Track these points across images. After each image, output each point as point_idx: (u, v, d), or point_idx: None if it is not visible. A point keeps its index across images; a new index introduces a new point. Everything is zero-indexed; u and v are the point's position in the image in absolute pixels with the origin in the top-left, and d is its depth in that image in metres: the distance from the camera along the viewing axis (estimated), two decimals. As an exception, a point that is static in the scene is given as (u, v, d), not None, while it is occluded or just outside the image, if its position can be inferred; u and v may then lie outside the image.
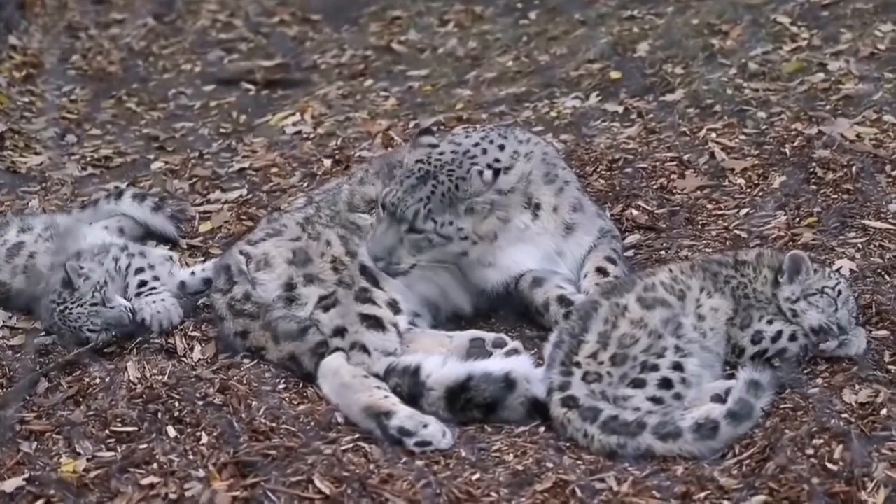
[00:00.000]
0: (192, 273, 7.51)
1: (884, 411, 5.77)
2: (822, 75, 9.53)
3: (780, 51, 10.05)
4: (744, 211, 7.86)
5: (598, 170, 8.52)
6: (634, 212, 7.97)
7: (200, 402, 6.31)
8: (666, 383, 5.93)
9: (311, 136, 10.01)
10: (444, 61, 11.61)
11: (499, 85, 10.70)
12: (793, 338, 6.25)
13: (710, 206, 7.97)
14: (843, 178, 7.97)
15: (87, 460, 5.94)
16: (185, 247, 8.15)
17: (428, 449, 5.95)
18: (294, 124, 10.31)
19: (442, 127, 9.52)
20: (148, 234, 8.16)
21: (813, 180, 8.01)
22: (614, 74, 10.22)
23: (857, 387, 5.99)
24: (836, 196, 7.83)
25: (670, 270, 6.43)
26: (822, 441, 5.61)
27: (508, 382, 6.15)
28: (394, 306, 6.75)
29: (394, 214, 6.72)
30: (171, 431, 6.12)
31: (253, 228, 7.72)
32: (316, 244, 6.99)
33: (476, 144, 6.95)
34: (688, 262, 6.69)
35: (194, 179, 9.30)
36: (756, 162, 8.36)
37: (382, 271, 6.77)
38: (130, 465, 5.86)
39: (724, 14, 10.75)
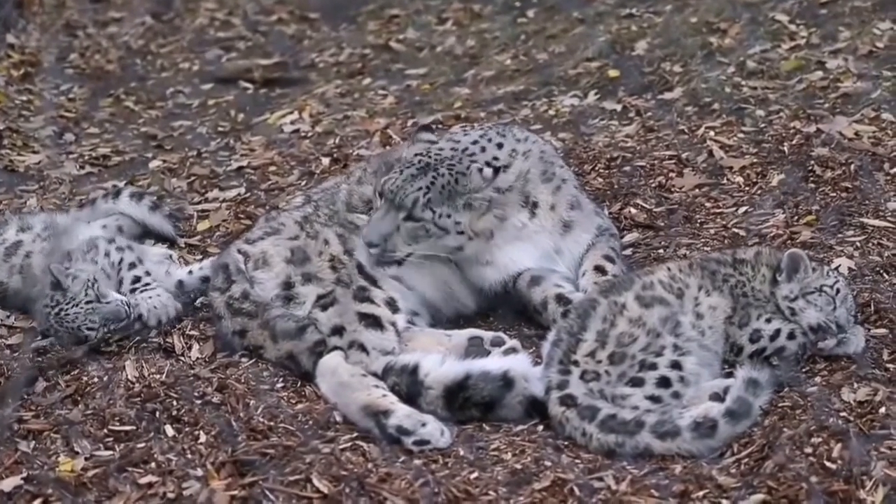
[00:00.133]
0: (190, 272, 7.51)
1: (882, 410, 5.77)
2: (820, 73, 9.53)
3: (779, 49, 10.05)
4: (742, 209, 7.86)
5: (597, 168, 8.52)
6: (633, 210, 7.97)
7: (198, 401, 6.31)
8: (664, 382, 5.93)
9: (310, 134, 10.00)
10: (443, 60, 11.60)
11: (497, 83, 10.69)
12: (791, 336, 6.24)
13: (708, 205, 7.97)
14: (842, 177, 7.97)
15: (86, 459, 5.94)
16: (182, 245, 8.14)
17: (426, 448, 5.95)
18: (292, 123, 10.30)
19: (440, 125, 9.51)
20: (146, 233, 8.16)
21: (811, 178, 8.01)
22: (613, 73, 10.22)
23: (855, 385, 5.99)
24: (834, 194, 7.83)
25: (669, 269, 6.43)
26: (820, 439, 5.61)
27: (507, 381, 6.14)
28: (392, 305, 6.75)
29: (392, 201, 6.72)
30: (170, 430, 6.11)
31: (251, 227, 7.71)
32: (314, 243, 6.98)
33: (475, 142, 6.95)
34: (686, 260, 6.69)
35: (192, 178, 9.29)
36: (754, 160, 8.36)
37: (376, 258, 6.76)
38: (128, 465, 5.85)
39: (722, 12, 10.74)
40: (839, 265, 6.94)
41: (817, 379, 6.13)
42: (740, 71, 9.76)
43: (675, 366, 5.97)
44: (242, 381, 6.49)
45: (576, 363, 6.00)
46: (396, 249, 6.77)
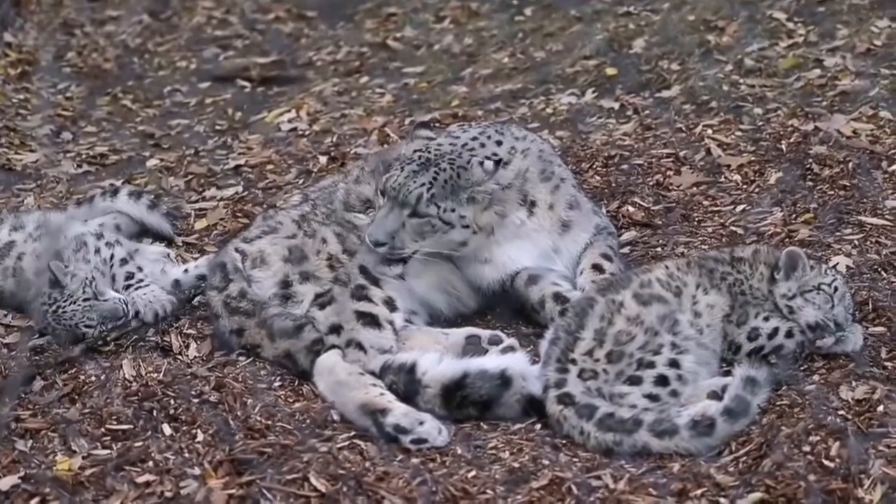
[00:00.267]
0: (186, 270, 7.51)
1: (880, 408, 5.78)
2: (818, 71, 9.53)
3: (777, 47, 10.05)
4: (740, 207, 7.86)
5: (594, 166, 8.51)
6: (630, 208, 7.96)
7: (196, 400, 6.30)
8: (662, 380, 5.93)
9: (307, 133, 10.00)
10: (440, 58, 11.60)
11: (494, 81, 10.69)
12: (789, 334, 6.24)
13: (706, 203, 7.97)
14: (840, 175, 7.97)
15: (83, 458, 5.93)
16: (180, 244, 8.14)
17: (424, 446, 5.95)
18: (289, 121, 10.30)
19: (437, 124, 9.50)
20: (144, 232, 8.15)
21: (809, 177, 8.01)
22: (610, 71, 10.21)
23: (853, 383, 5.99)
24: (832, 192, 7.83)
25: (666, 267, 6.43)
26: (818, 438, 5.61)
27: (504, 380, 6.14)
28: (390, 304, 6.74)
29: (395, 199, 6.70)
30: (167, 429, 6.10)
31: (248, 226, 7.70)
32: (312, 241, 6.98)
33: (474, 139, 6.95)
34: (684, 258, 6.68)
35: (190, 177, 9.28)
36: (752, 158, 8.36)
37: (385, 256, 6.72)
38: (126, 463, 5.85)
39: (720, 10, 10.74)
40: (837, 263, 6.93)
41: (815, 377, 6.13)
42: (738, 69, 9.76)
43: (673, 364, 5.97)
44: (240, 379, 6.49)
45: (573, 361, 6.00)
46: (404, 246, 6.73)
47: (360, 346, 6.49)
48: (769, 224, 7.56)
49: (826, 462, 5.47)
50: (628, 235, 7.72)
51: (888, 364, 6.14)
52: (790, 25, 10.35)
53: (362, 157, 8.76)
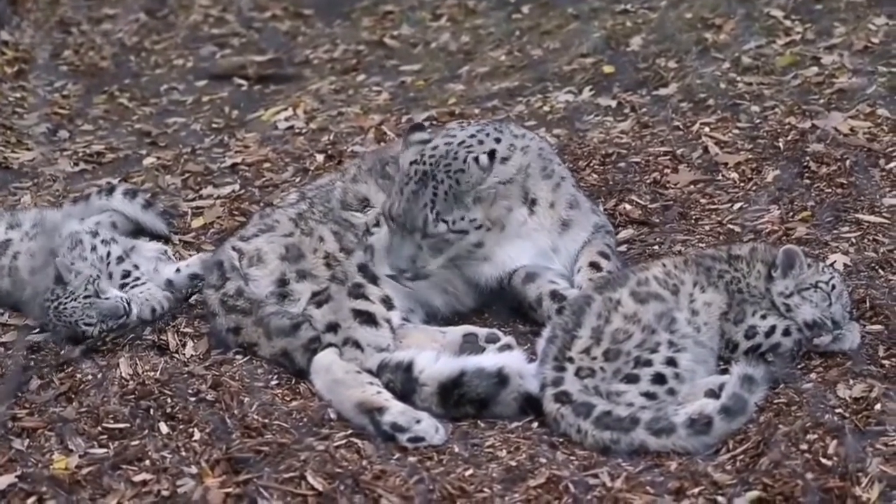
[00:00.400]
0: (178, 270, 7.50)
1: (878, 406, 5.78)
2: (815, 69, 9.54)
3: (774, 45, 10.05)
4: (737, 205, 7.85)
5: (592, 164, 8.51)
6: (627, 206, 7.96)
7: (193, 399, 6.30)
8: (659, 378, 5.92)
9: (304, 131, 9.99)
10: (437, 56, 11.59)
11: (491, 79, 10.68)
12: (786, 332, 6.24)
13: (703, 201, 7.97)
14: (837, 173, 7.97)
15: (80, 457, 5.93)
16: (177, 242, 8.12)
17: (421, 445, 5.95)
18: (286, 119, 10.29)
19: (434, 122, 9.50)
20: (139, 230, 8.13)
21: (806, 174, 8.01)
22: (607, 69, 10.21)
23: (851, 382, 5.99)
24: (829, 190, 7.82)
25: (664, 265, 6.42)
26: (816, 436, 5.61)
27: (501, 378, 6.13)
28: (387, 302, 6.74)
29: (404, 226, 6.72)
30: (164, 428, 6.10)
31: (245, 224, 7.70)
32: (309, 240, 6.97)
33: (472, 136, 6.94)
34: (681, 256, 6.68)
35: (186, 175, 9.27)
36: (749, 156, 8.36)
37: (411, 280, 6.77)
38: (122, 462, 5.84)
39: (717, 8, 10.74)
40: (834, 261, 6.93)
41: (813, 375, 6.13)
42: (735, 67, 9.76)
43: (671, 362, 5.97)
44: (237, 378, 6.49)
45: (571, 360, 6.00)
46: (426, 265, 6.77)
47: (357, 345, 6.49)
48: (766, 222, 7.56)
49: (824, 460, 5.47)
50: (625, 233, 7.72)
51: (885, 362, 6.14)
52: (787, 23, 10.35)
53: (359, 155, 8.76)
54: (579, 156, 8.62)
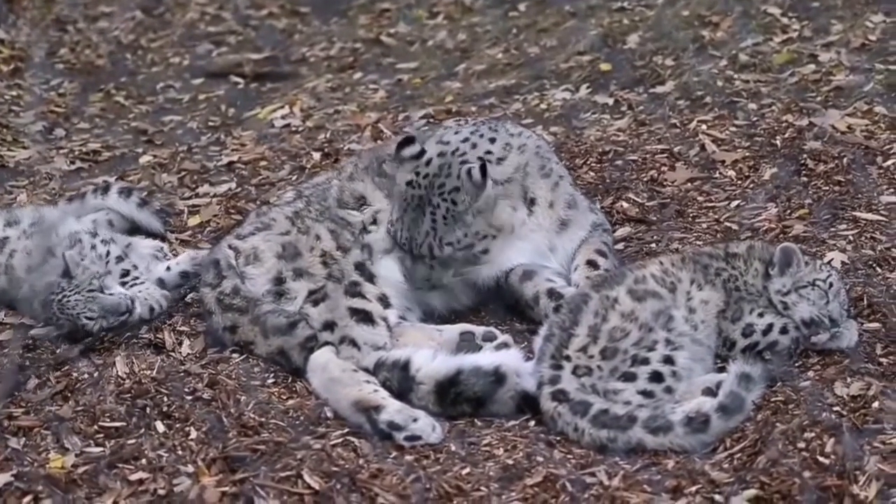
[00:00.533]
0: (168, 269, 7.51)
1: (875, 404, 5.77)
2: (812, 66, 9.53)
3: (771, 42, 10.05)
4: (734, 203, 7.85)
5: (589, 162, 8.51)
6: (625, 204, 7.96)
7: (189, 398, 6.29)
8: (657, 377, 5.92)
9: (300, 129, 9.98)
10: (434, 54, 11.58)
11: (488, 77, 10.67)
12: (784, 331, 6.23)
13: (700, 199, 7.96)
14: (835, 170, 7.96)
15: (76, 456, 5.93)
16: (173, 241, 8.12)
17: (417, 443, 5.94)
18: (283, 117, 10.28)
19: (431, 119, 9.49)
20: (135, 229, 8.13)
21: (804, 172, 8.01)
22: (604, 66, 10.21)
23: (848, 380, 5.98)
24: (827, 188, 7.82)
25: (661, 263, 6.42)
26: (813, 434, 5.60)
27: (498, 376, 6.13)
28: (384, 300, 6.74)
29: (411, 252, 6.82)
30: (160, 427, 6.09)
31: (242, 222, 7.68)
32: (305, 238, 6.96)
33: (465, 140, 6.93)
34: (678, 254, 6.68)
35: (183, 173, 9.26)
36: (747, 154, 8.36)
37: (429, 291, 6.97)
38: (119, 461, 5.84)
39: (714, 5, 10.74)
40: (832, 259, 6.93)
41: (810, 373, 6.13)
42: (732, 64, 9.76)
43: (668, 360, 5.96)
44: (233, 377, 6.48)
45: (568, 358, 5.99)
46: (442, 277, 6.92)
47: (354, 343, 6.48)
48: (764, 220, 7.56)
49: (821, 459, 5.47)
50: (622, 231, 7.71)
51: (883, 360, 6.14)
52: (784, 21, 10.35)
53: (356, 153, 8.74)
54: (576, 153, 8.61)
